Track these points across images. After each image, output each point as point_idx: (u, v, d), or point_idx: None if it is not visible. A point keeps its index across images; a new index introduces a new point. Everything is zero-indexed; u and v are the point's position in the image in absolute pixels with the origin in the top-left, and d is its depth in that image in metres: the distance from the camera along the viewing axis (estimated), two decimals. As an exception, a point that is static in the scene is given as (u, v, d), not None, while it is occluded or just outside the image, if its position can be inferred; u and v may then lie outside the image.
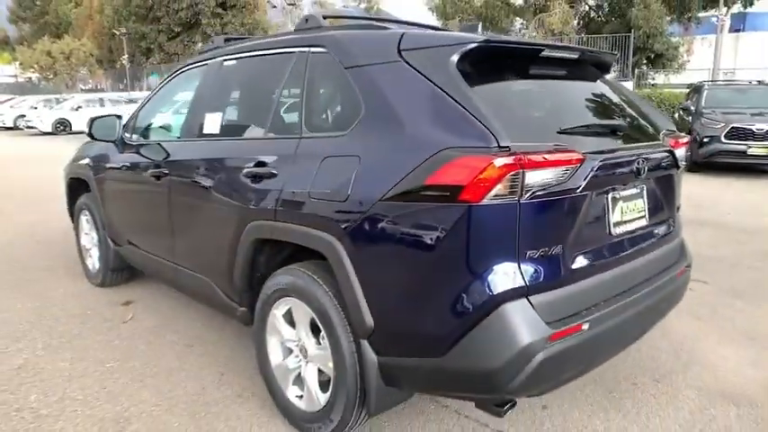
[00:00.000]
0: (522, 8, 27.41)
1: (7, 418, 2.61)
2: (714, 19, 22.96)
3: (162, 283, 4.07)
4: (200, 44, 37.21)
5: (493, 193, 1.79)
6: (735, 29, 35.74)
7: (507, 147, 1.80)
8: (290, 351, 2.50)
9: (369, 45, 2.31)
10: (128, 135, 3.70)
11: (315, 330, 2.35)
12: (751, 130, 9.54)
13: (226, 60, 3.03)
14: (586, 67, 2.64)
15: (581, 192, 1.99)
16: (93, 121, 3.61)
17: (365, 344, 2.08)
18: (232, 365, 3.08)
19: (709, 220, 6.33)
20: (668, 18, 23.08)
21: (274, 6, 37.63)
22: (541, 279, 1.91)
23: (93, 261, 4.39)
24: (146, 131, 3.64)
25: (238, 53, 2.99)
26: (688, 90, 14.17)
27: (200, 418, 2.60)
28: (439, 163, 1.85)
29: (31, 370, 3.08)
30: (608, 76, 2.84)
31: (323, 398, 2.32)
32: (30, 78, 43.75)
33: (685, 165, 2.73)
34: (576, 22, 24.98)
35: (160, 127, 3.64)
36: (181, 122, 3.25)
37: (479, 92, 1.99)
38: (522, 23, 28.14)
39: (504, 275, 1.85)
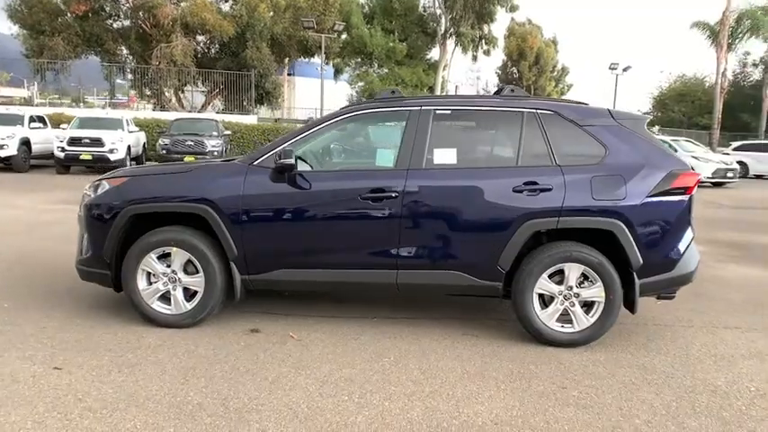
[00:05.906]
0: (128, 33, 26.83)
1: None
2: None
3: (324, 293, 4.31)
4: None
5: (694, 190, 3.98)
6: (289, 73, 43.72)
7: (693, 169, 4.02)
8: (551, 299, 3.96)
9: (590, 113, 4.10)
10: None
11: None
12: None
13: (438, 110, 4.06)
14: None
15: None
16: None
17: (633, 274, 3.90)
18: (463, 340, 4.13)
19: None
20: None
21: None
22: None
23: (179, 301, 4.11)
24: (321, 163, 4.05)
25: (455, 106, 4.20)
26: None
27: (484, 363, 3.76)
28: (675, 176, 3.91)
29: (326, 374, 3.38)
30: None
31: (591, 319, 3.94)
32: None
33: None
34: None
35: (343, 159, 4.12)
36: (389, 155, 4.02)
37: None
38: (127, 52, 27.61)
39: (693, 226, 4.06)
